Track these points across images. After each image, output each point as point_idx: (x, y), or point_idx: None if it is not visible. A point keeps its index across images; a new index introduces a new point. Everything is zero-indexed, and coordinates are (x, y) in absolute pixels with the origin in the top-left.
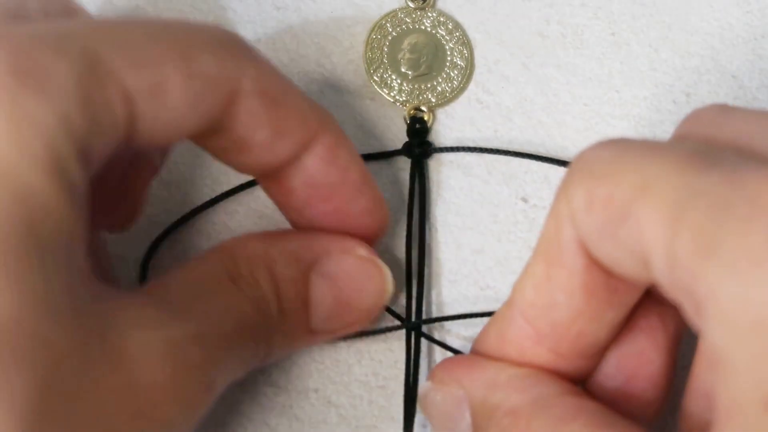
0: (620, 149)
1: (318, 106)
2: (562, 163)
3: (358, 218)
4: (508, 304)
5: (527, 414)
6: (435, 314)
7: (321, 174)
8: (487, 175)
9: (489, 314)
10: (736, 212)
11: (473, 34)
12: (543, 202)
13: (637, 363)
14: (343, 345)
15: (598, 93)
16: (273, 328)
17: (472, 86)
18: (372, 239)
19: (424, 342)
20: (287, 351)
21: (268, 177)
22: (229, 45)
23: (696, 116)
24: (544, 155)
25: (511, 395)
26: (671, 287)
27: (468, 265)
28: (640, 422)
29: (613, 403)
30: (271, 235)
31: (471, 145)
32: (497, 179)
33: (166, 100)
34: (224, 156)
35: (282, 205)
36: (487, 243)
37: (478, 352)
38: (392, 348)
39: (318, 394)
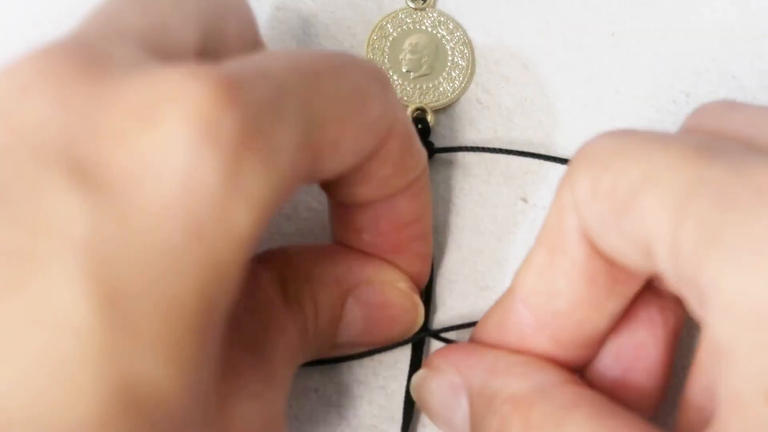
0: (625, 139)
1: (421, 145)
2: (563, 161)
3: (407, 261)
4: (509, 292)
5: (528, 401)
6: (434, 314)
7: (406, 211)
8: (487, 175)
9: None
10: (741, 203)
11: (473, 35)
12: (543, 202)
13: (635, 355)
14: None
15: (598, 93)
16: (306, 346)
17: (472, 86)
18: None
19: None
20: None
21: (357, 204)
22: (386, 86)
23: (703, 111)
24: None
25: (511, 382)
26: (674, 278)
27: (468, 265)
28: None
29: (610, 394)
30: (315, 253)
31: (471, 145)
32: (497, 179)
33: (339, 151)
34: (335, 185)
35: (343, 224)
36: (487, 243)
37: (477, 341)
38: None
39: (318, 394)
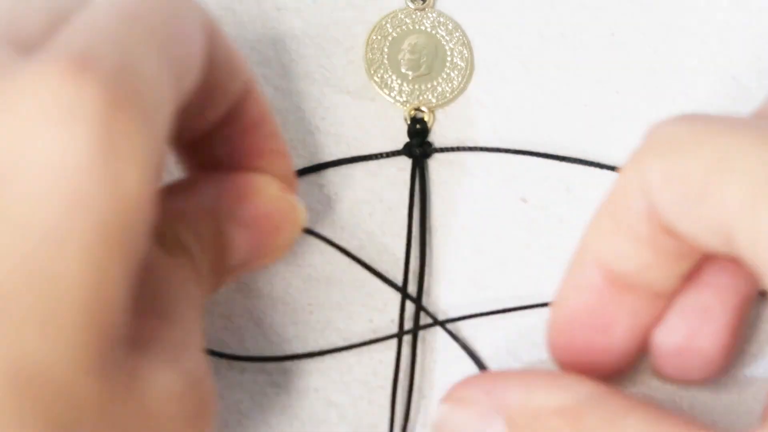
0: (697, 124)
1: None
2: (562, 159)
3: (270, 163)
4: (580, 253)
5: (578, 411)
6: (433, 314)
7: (251, 111)
8: (487, 175)
9: (496, 312)
10: None
11: (473, 35)
12: (543, 202)
13: (702, 318)
14: (343, 345)
15: (598, 93)
16: (204, 286)
17: (472, 86)
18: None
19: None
20: (210, 289)
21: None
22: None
23: None
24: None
25: (554, 395)
26: (755, 262)
27: (468, 265)
28: (699, 382)
29: (674, 357)
30: (177, 192)
31: (471, 144)
32: (497, 179)
33: (192, 72)
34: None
35: (194, 151)
36: (487, 243)
37: (557, 306)
38: (392, 347)
39: (318, 394)
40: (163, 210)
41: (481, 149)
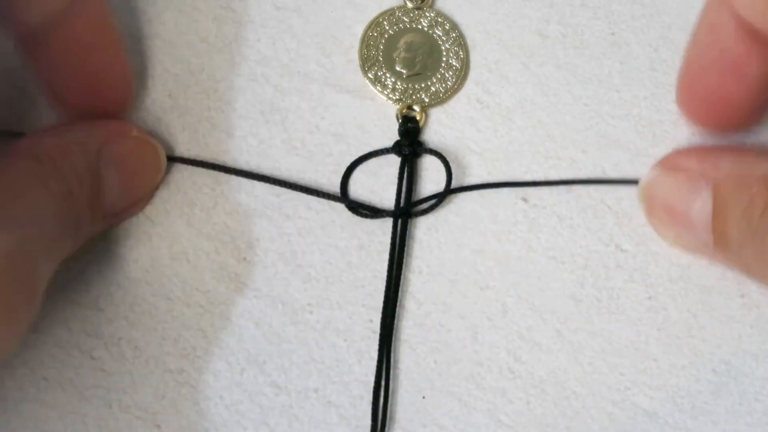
0: None
1: None
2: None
3: (113, 85)
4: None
5: None
6: (434, 314)
7: (89, 33)
8: (487, 175)
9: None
10: None
11: (473, 34)
12: (543, 202)
13: None
14: (343, 345)
15: (598, 93)
16: (81, 218)
17: (472, 86)
18: (123, 108)
19: (405, 344)
20: (91, 233)
21: (35, 39)
22: None
23: None
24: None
25: (763, 164)
26: None
27: (468, 265)
28: None
29: None
30: (58, 129)
31: (471, 144)
32: (497, 179)
33: None
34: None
35: (45, 73)
36: (487, 243)
37: (694, 46)
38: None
39: (318, 394)
40: (44, 142)
41: (462, 189)
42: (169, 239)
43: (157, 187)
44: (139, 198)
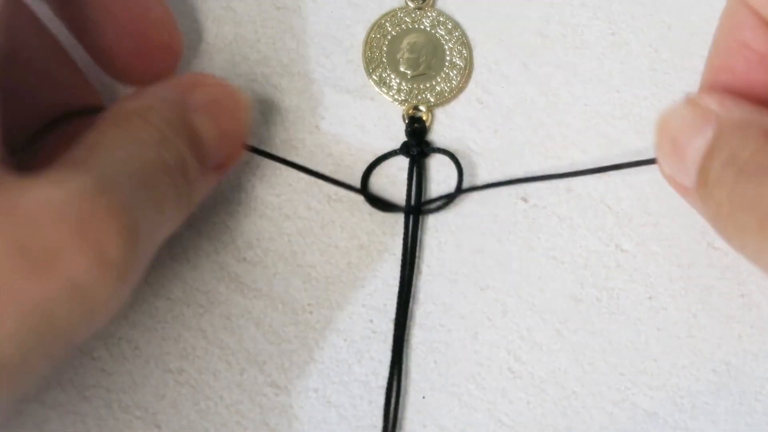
0: None
1: None
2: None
3: (156, 32)
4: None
5: None
6: (434, 314)
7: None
8: (487, 175)
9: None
10: None
11: (473, 34)
12: (543, 202)
13: None
14: (342, 345)
15: (598, 93)
16: (187, 169)
17: (472, 86)
18: (175, 58)
19: (415, 346)
20: (203, 187)
21: None
22: None
23: None
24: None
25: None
26: None
27: (468, 265)
28: None
29: None
30: (139, 93)
31: (471, 144)
32: (497, 179)
33: None
34: None
35: (86, 34)
36: (487, 243)
37: (720, 36)
38: (391, 347)
39: (318, 394)
40: (131, 107)
41: (470, 189)
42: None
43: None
44: (239, 142)
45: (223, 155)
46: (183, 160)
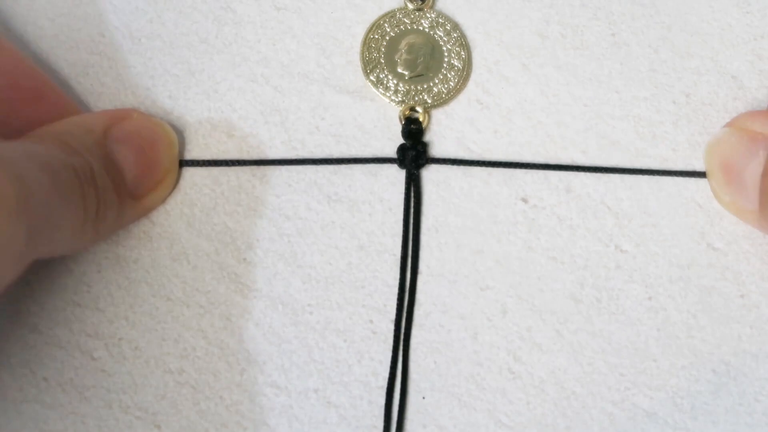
0: None
1: None
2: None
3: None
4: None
5: None
6: (434, 315)
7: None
8: (486, 175)
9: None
10: None
11: (473, 35)
12: (543, 202)
13: None
14: (343, 345)
15: (598, 93)
16: (93, 173)
17: (472, 87)
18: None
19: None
20: (120, 219)
21: None
22: None
23: None
24: (542, 161)
25: None
26: None
27: (468, 265)
28: None
29: None
30: (63, 120)
31: (471, 145)
32: (497, 179)
33: None
34: None
35: None
36: (487, 243)
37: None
38: (391, 347)
39: (318, 394)
40: (48, 131)
41: (472, 162)
42: (169, 240)
43: (179, 163)
44: (161, 177)
45: (144, 184)
46: (91, 169)
